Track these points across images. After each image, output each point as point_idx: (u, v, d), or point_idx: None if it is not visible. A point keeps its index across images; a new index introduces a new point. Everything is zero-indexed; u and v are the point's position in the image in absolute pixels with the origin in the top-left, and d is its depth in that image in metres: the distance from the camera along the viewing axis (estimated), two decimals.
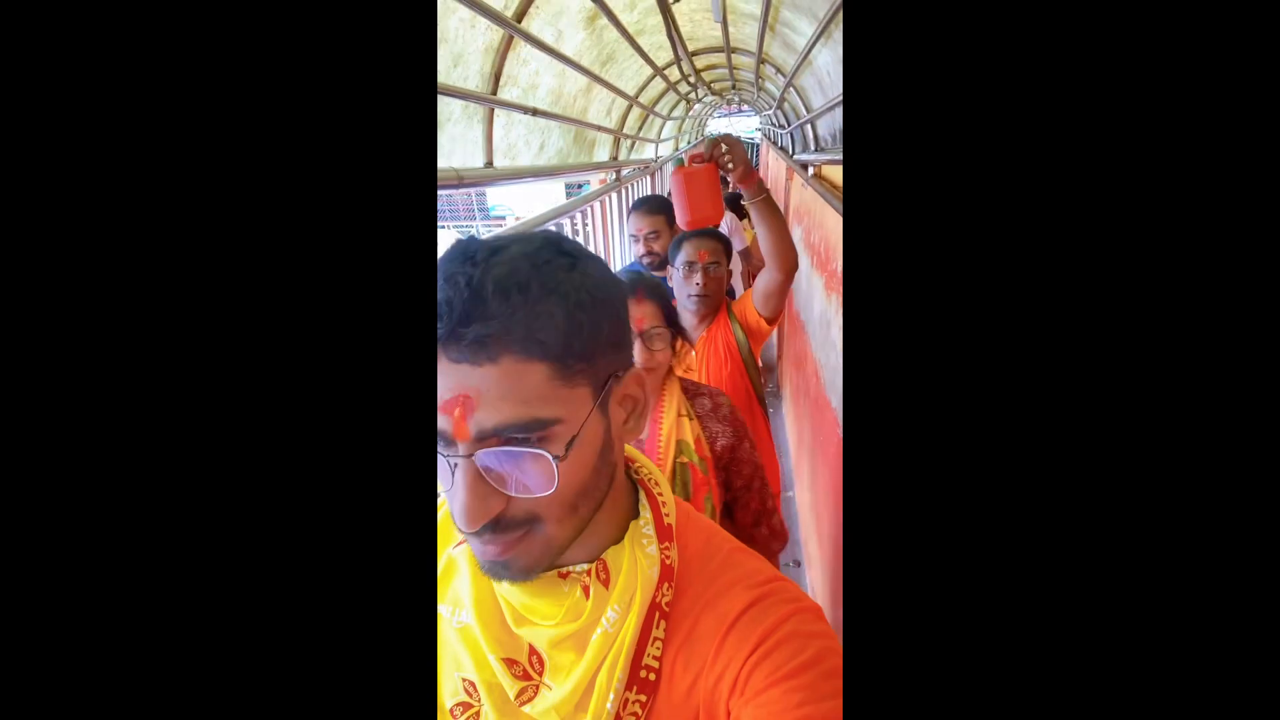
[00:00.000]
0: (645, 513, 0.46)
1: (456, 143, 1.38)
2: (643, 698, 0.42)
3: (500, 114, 1.60)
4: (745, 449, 1.03)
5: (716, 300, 1.36)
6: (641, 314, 0.96)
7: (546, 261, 0.37)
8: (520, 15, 1.42)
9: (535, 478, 0.36)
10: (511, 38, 1.40)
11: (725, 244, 1.37)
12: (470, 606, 0.44)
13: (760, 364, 1.40)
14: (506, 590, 0.43)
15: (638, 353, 0.95)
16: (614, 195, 3.09)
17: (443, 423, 0.35)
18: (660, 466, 0.96)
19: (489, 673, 0.43)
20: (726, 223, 2.08)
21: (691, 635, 0.42)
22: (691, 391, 1.05)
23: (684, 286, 1.34)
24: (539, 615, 0.42)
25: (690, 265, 1.32)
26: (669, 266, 1.40)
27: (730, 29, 2.60)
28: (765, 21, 2.17)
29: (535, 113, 1.69)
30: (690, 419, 1.00)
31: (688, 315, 1.35)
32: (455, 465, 0.35)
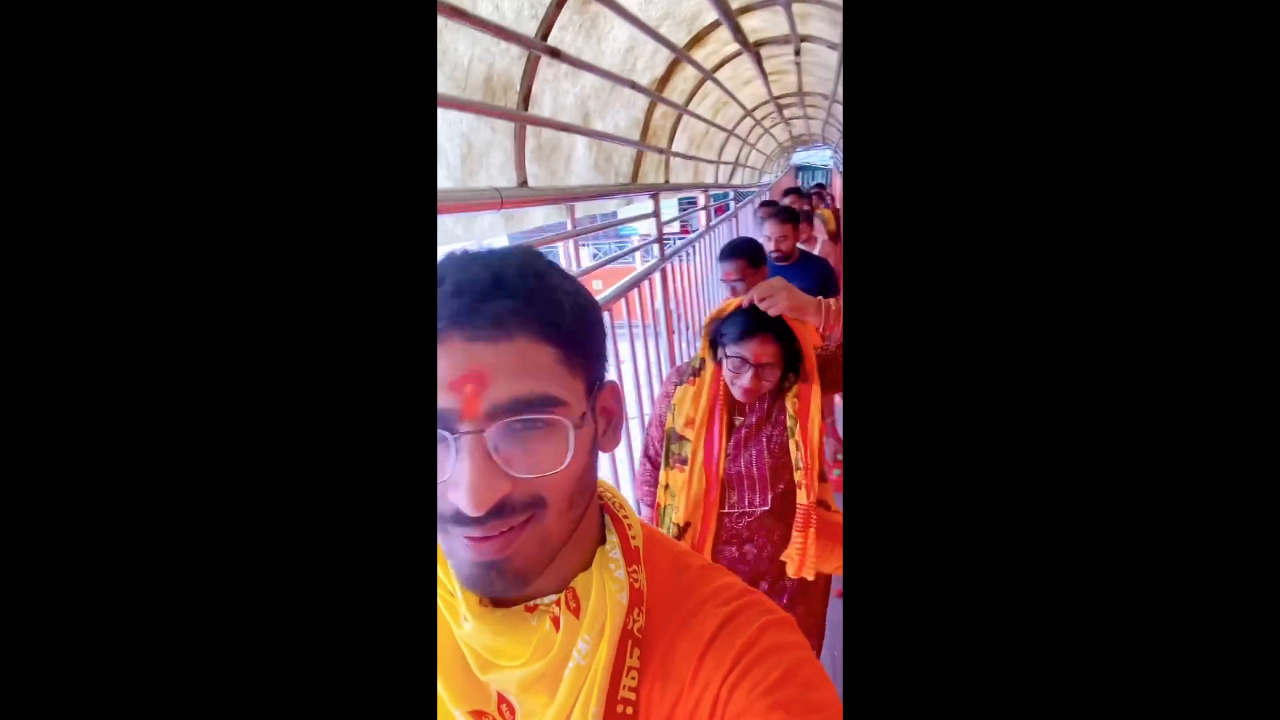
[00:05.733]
0: (611, 537, 0.45)
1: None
2: None
3: None
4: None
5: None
6: (763, 351, 1.17)
7: (549, 265, 0.41)
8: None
9: (546, 454, 0.37)
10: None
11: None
12: None
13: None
14: (470, 635, 0.41)
15: (749, 377, 1.16)
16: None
17: (449, 402, 0.35)
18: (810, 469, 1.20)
19: None
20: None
21: (667, 660, 0.42)
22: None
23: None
24: (506, 656, 0.41)
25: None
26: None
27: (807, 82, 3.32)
28: (838, 75, 2.84)
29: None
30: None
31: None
32: (460, 446, 0.35)
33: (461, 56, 1.21)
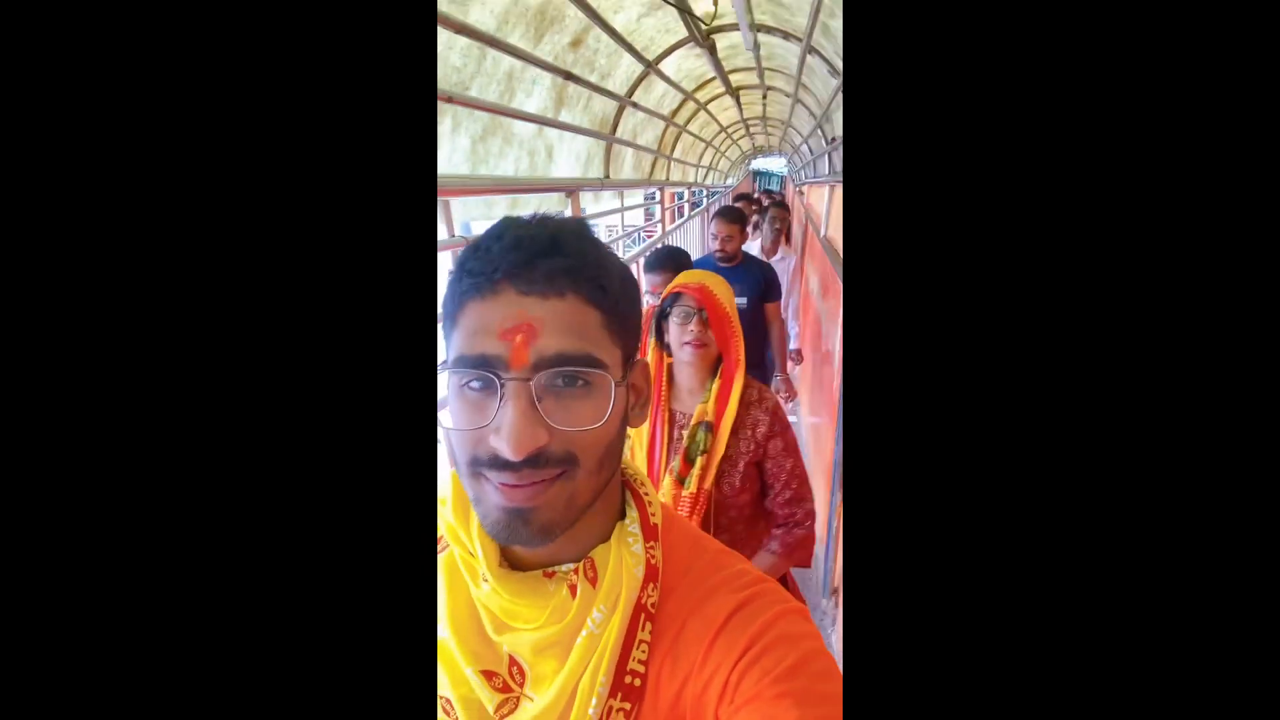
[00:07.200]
0: (631, 512, 0.46)
1: None
2: (627, 705, 0.41)
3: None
4: (777, 444, 1.12)
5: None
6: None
7: (596, 236, 0.43)
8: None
9: (586, 411, 0.38)
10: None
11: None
12: (445, 619, 0.43)
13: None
14: (487, 596, 0.42)
15: (695, 324, 1.09)
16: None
17: (498, 349, 0.36)
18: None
19: (466, 687, 0.43)
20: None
21: (679, 640, 0.42)
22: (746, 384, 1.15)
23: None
24: (522, 619, 0.42)
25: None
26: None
27: (771, 106, 4.48)
28: (795, 95, 4.01)
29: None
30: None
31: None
32: (506, 392, 0.36)
33: (595, 107, 2.29)
